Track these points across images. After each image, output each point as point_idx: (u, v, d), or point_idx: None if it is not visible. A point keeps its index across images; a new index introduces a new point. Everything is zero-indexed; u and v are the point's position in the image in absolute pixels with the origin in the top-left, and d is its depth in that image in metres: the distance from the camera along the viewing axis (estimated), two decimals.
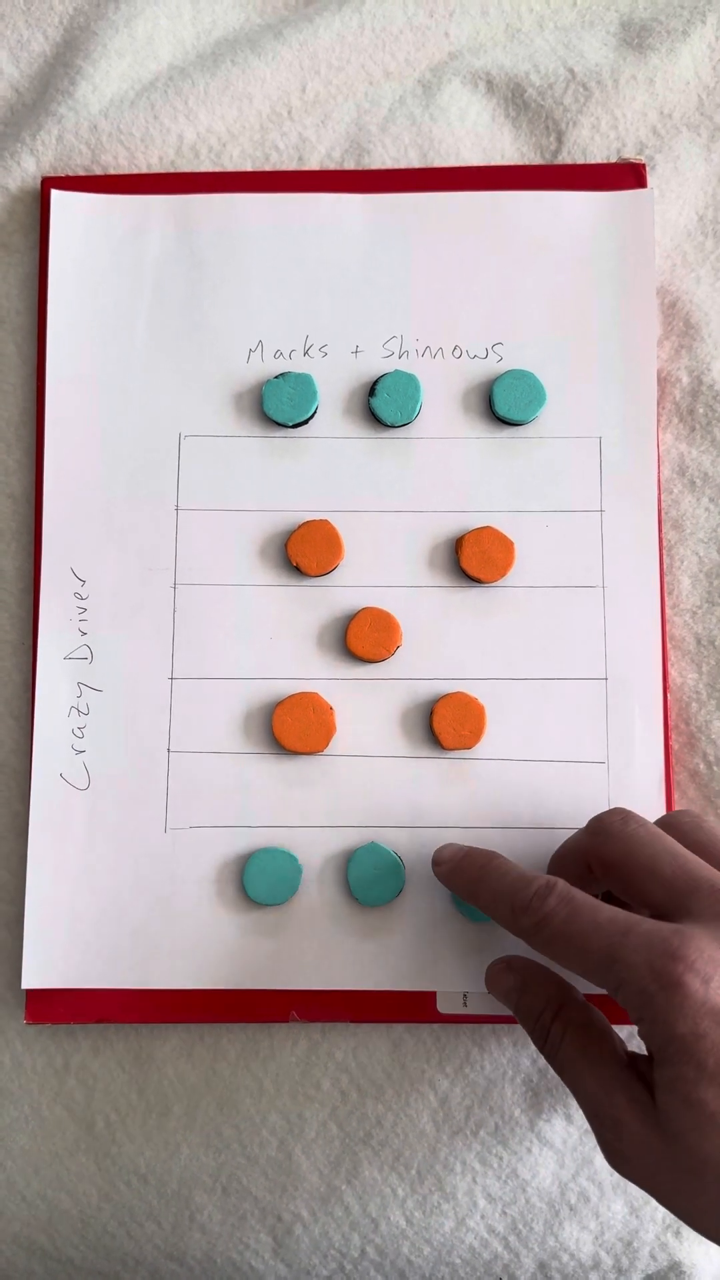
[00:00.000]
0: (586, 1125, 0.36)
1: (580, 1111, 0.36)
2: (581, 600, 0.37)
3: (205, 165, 0.40)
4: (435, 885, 0.36)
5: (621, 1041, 0.29)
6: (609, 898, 0.32)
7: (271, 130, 0.40)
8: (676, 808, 0.37)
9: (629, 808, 0.32)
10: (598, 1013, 0.30)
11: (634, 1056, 0.29)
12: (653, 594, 0.37)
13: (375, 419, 0.38)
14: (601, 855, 0.30)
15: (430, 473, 0.38)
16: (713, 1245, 0.36)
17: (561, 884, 0.29)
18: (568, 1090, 0.36)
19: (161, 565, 0.37)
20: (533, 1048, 0.37)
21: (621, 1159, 0.27)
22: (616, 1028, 0.30)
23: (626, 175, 0.39)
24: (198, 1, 0.41)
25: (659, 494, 0.37)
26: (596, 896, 0.30)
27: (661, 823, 0.31)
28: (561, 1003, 0.30)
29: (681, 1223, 0.36)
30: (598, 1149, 0.36)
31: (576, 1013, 0.30)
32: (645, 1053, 0.28)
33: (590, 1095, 0.28)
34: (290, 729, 0.36)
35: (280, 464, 0.38)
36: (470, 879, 0.32)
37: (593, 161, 0.40)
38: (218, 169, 0.40)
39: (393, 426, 0.38)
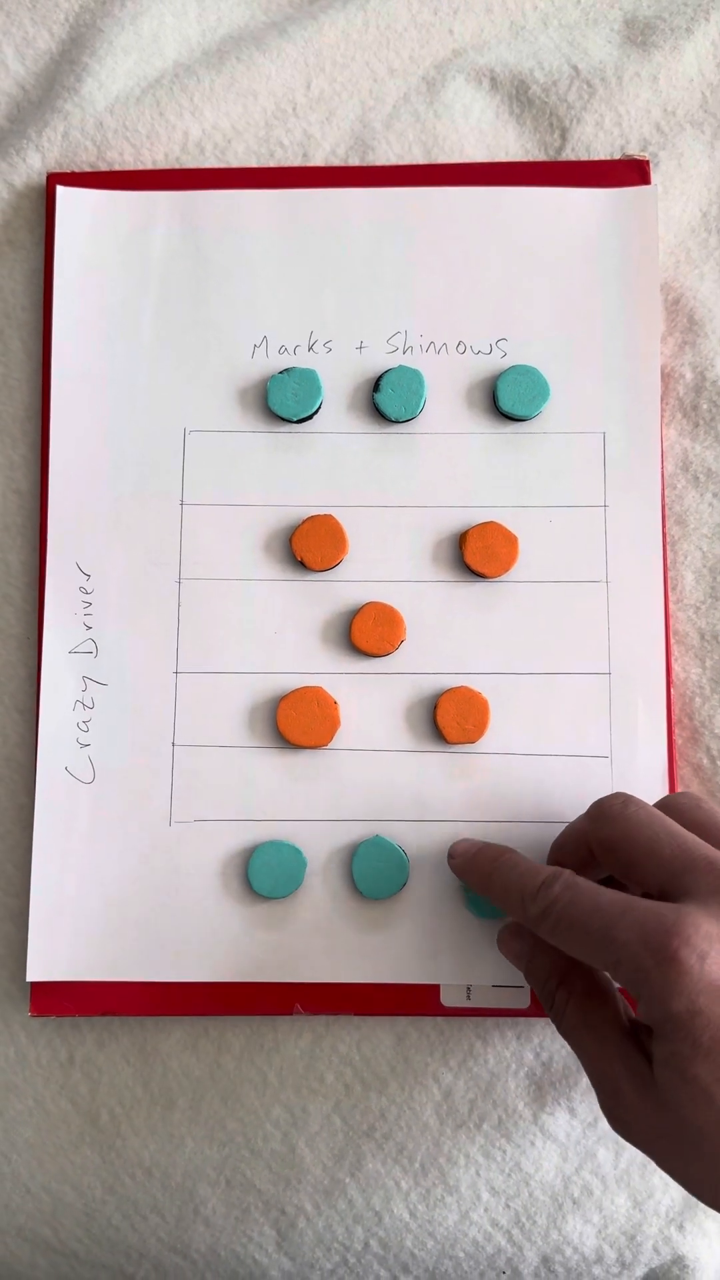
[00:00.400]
0: (590, 1119, 0.36)
1: (583, 1104, 0.36)
2: (585, 595, 0.37)
3: (210, 161, 0.40)
4: (439, 879, 0.36)
5: (626, 1008, 0.30)
6: (611, 882, 0.33)
7: (276, 127, 0.40)
8: None
9: None
10: (604, 978, 0.31)
11: (636, 1024, 0.29)
12: (656, 589, 0.37)
13: (379, 414, 0.38)
14: (602, 839, 0.31)
15: (434, 468, 0.38)
16: (716, 1239, 0.36)
17: (567, 873, 0.30)
18: (571, 1085, 0.36)
19: (166, 560, 0.38)
20: (536, 1041, 0.37)
21: (622, 1124, 0.28)
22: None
23: (630, 172, 0.39)
24: None
25: (663, 489, 0.38)
26: (599, 882, 0.30)
27: (662, 804, 0.31)
28: (567, 970, 0.31)
29: (685, 1217, 0.36)
30: (601, 1143, 0.36)
31: (580, 980, 0.30)
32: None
33: (592, 1062, 0.29)
34: (295, 723, 0.36)
35: (285, 459, 0.38)
36: (483, 873, 0.33)
37: (597, 158, 0.40)
38: (223, 165, 0.40)
39: (397, 422, 0.38)
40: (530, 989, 0.35)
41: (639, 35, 0.41)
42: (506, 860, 0.32)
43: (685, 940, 0.26)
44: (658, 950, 0.26)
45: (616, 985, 0.31)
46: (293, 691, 0.37)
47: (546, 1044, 0.37)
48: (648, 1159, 0.36)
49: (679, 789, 0.37)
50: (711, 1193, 0.26)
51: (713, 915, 0.26)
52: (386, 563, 0.38)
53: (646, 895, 0.29)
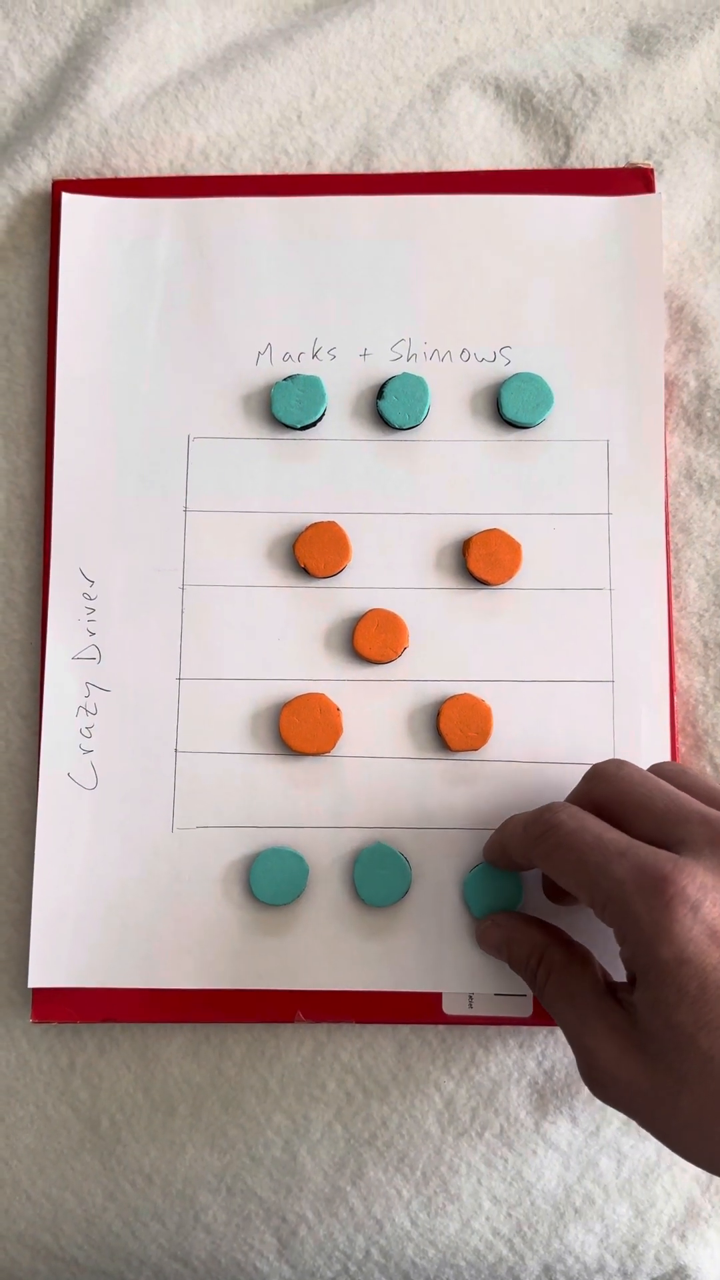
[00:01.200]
0: (592, 1128, 0.36)
1: (585, 1113, 0.36)
2: (588, 603, 0.37)
3: (215, 169, 0.40)
4: (441, 886, 0.36)
5: (605, 973, 0.31)
6: None
7: (281, 134, 0.41)
8: None
9: None
10: (581, 948, 0.32)
11: (615, 986, 0.30)
12: (660, 597, 0.37)
13: (383, 421, 0.38)
14: (597, 798, 0.31)
15: (438, 475, 0.38)
16: (718, 1248, 0.36)
17: (571, 805, 0.31)
18: (573, 1093, 0.36)
19: (170, 566, 0.38)
20: (539, 1049, 0.37)
21: (600, 1085, 0.28)
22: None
23: (634, 180, 0.39)
24: (208, 7, 0.42)
25: (666, 497, 0.38)
26: None
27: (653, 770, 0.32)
28: (545, 945, 0.32)
29: (687, 1226, 0.36)
30: (604, 1152, 0.36)
31: (558, 953, 0.31)
32: (625, 979, 0.29)
33: (570, 1026, 0.29)
34: (297, 730, 0.36)
35: (288, 466, 0.38)
36: (497, 832, 0.34)
37: (601, 166, 0.40)
38: (227, 172, 0.40)
39: (401, 429, 0.38)
40: (530, 997, 0.36)
41: (644, 44, 0.41)
42: (516, 814, 0.33)
43: (680, 889, 0.26)
44: (651, 895, 0.26)
45: (594, 955, 0.32)
46: (295, 698, 0.37)
47: (549, 1053, 0.37)
48: (648, 1171, 0.36)
49: None
50: (690, 1145, 0.27)
51: (707, 867, 0.27)
52: (390, 570, 0.38)
53: None
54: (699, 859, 0.27)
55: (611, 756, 0.36)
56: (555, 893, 0.35)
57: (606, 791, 0.31)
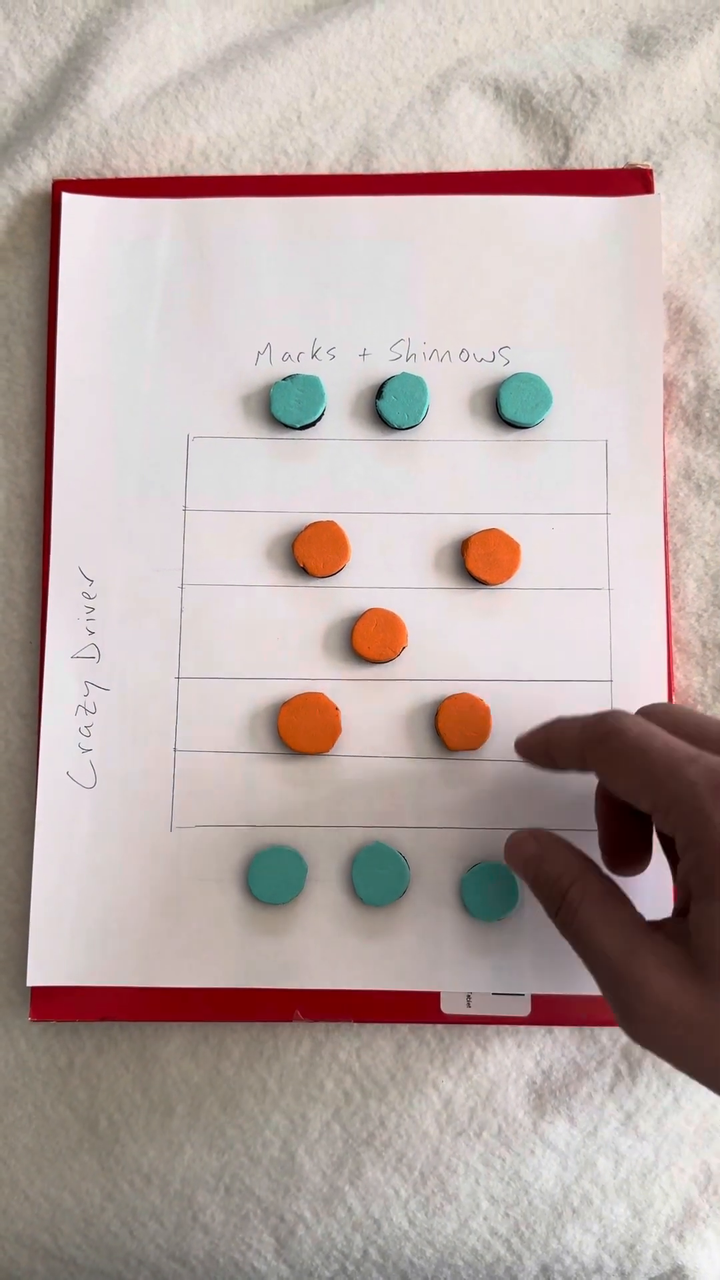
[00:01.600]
0: (590, 1128, 0.36)
1: (583, 1113, 0.36)
2: (587, 603, 0.37)
3: (215, 169, 0.40)
4: (440, 886, 0.36)
5: (640, 915, 0.29)
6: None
7: (281, 135, 0.41)
8: None
9: None
10: (617, 885, 0.30)
11: (655, 923, 0.28)
12: (658, 597, 0.37)
13: (383, 421, 0.38)
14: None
15: (437, 475, 0.38)
16: (716, 1249, 0.36)
17: (628, 713, 0.30)
18: (571, 1093, 0.36)
19: (169, 565, 0.38)
20: (537, 1049, 0.37)
21: (643, 1023, 0.26)
22: None
23: (634, 181, 0.39)
24: (208, 8, 0.42)
25: (665, 497, 0.38)
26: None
27: (641, 713, 0.31)
28: (584, 872, 0.30)
29: (685, 1227, 0.36)
30: (601, 1152, 0.36)
31: (596, 882, 0.29)
32: (670, 914, 0.28)
33: (611, 958, 0.27)
34: (296, 729, 0.36)
35: (288, 465, 0.38)
36: (541, 730, 0.32)
37: (600, 167, 0.40)
38: (227, 173, 0.40)
39: (400, 429, 0.38)
40: (528, 997, 0.36)
41: (643, 45, 0.41)
42: (565, 716, 0.32)
43: None
44: None
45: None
46: (294, 697, 0.37)
47: (547, 1053, 0.37)
48: (645, 1171, 0.36)
49: None
50: None
51: None
52: (389, 569, 0.38)
53: None
54: None
55: None
56: (614, 846, 0.33)
57: (660, 719, 0.30)
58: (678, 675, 0.38)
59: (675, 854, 0.31)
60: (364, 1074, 0.37)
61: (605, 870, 0.31)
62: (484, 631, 0.37)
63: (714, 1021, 0.25)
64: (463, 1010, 0.36)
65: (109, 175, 0.40)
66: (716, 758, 0.27)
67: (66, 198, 0.39)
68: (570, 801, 0.36)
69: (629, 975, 0.27)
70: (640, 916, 0.28)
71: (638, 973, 0.27)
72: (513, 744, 0.33)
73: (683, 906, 0.28)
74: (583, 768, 0.30)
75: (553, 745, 0.31)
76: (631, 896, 0.29)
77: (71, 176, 0.40)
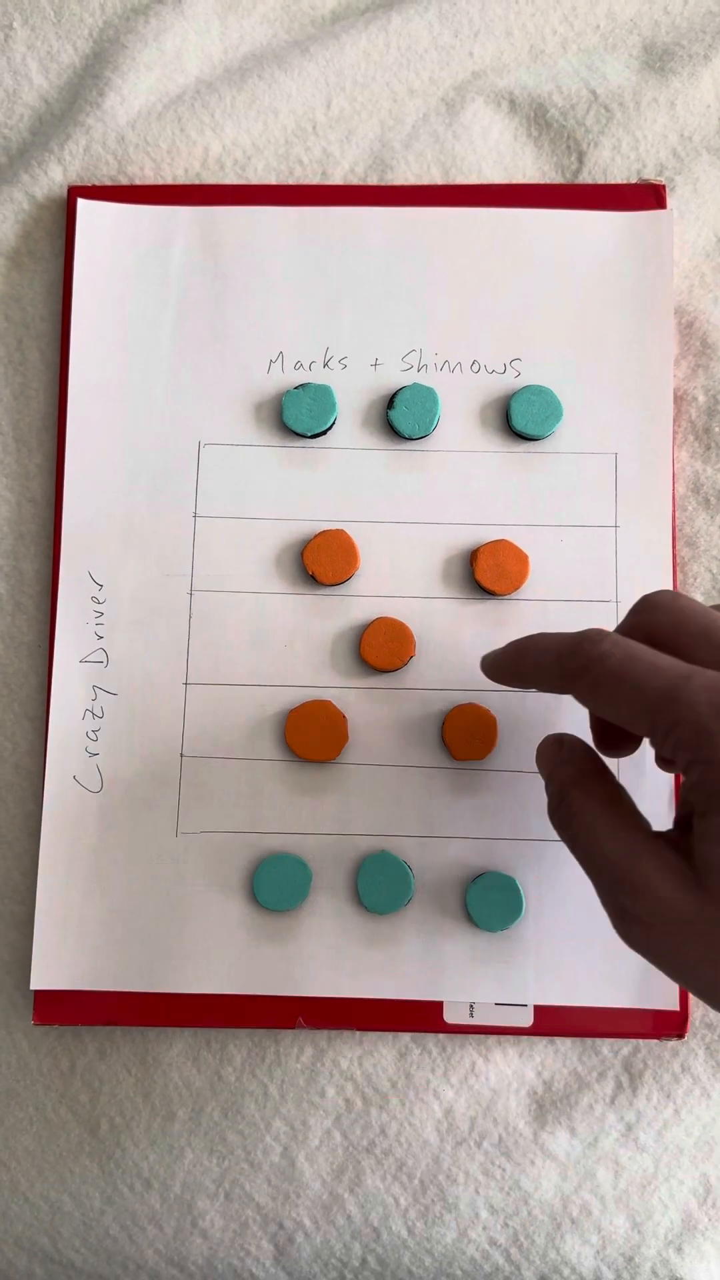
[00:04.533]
0: (590, 1139, 0.36)
1: (584, 1124, 0.36)
2: (595, 615, 0.37)
3: (230, 178, 0.41)
4: (445, 895, 0.36)
5: (647, 823, 0.28)
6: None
7: (296, 145, 0.41)
8: None
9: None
10: (624, 791, 0.29)
11: (657, 833, 0.28)
12: None
13: (393, 431, 0.38)
14: (649, 629, 0.28)
15: (447, 485, 0.38)
16: (715, 1262, 0.36)
17: (614, 632, 0.28)
18: (572, 1104, 0.36)
19: (179, 571, 0.38)
20: (538, 1059, 0.37)
21: (641, 927, 0.26)
22: None
23: (646, 196, 0.39)
24: (226, 17, 0.42)
25: (673, 511, 0.38)
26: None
27: (645, 602, 0.30)
28: (588, 774, 0.29)
29: (684, 1239, 0.36)
30: (601, 1163, 0.36)
31: (602, 786, 0.29)
32: (677, 819, 0.27)
33: (611, 859, 0.27)
34: (303, 736, 0.36)
35: (298, 474, 0.38)
36: (516, 652, 0.31)
37: (613, 182, 0.40)
38: (242, 182, 0.41)
39: (410, 439, 0.38)
40: (531, 1007, 0.36)
41: (657, 61, 0.41)
42: (537, 636, 0.31)
43: None
44: None
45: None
46: (302, 705, 0.37)
47: (548, 1063, 0.37)
48: (645, 1183, 0.36)
49: None
50: None
51: None
52: (397, 578, 0.38)
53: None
54: None
55: (619, 770, 0.36)
56: (603, 735, 0.32)
57: (661, 620, 0.28)
58: None
59: (669, 762, 0.29)
60: (365, 1082, 0.37)
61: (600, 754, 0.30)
62: (492, 642, 0.37)
63: (711, 932, 0.25)
64: (465, 1020, 0.36)
65: (124, 182, 0.40)
66: (712, 673, 0.25)
67: (82, 204, 0.39)
68: None
69: (629, 878, 0.26)
70: (645, 822, 0.28)
71: (638, 876, 0.26)
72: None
73: (683, 818, 0.27)
74: (563, 693, 0.29)
75: (526, 672, 0.30)
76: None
77: (87, 183, 0.40)
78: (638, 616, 0.29)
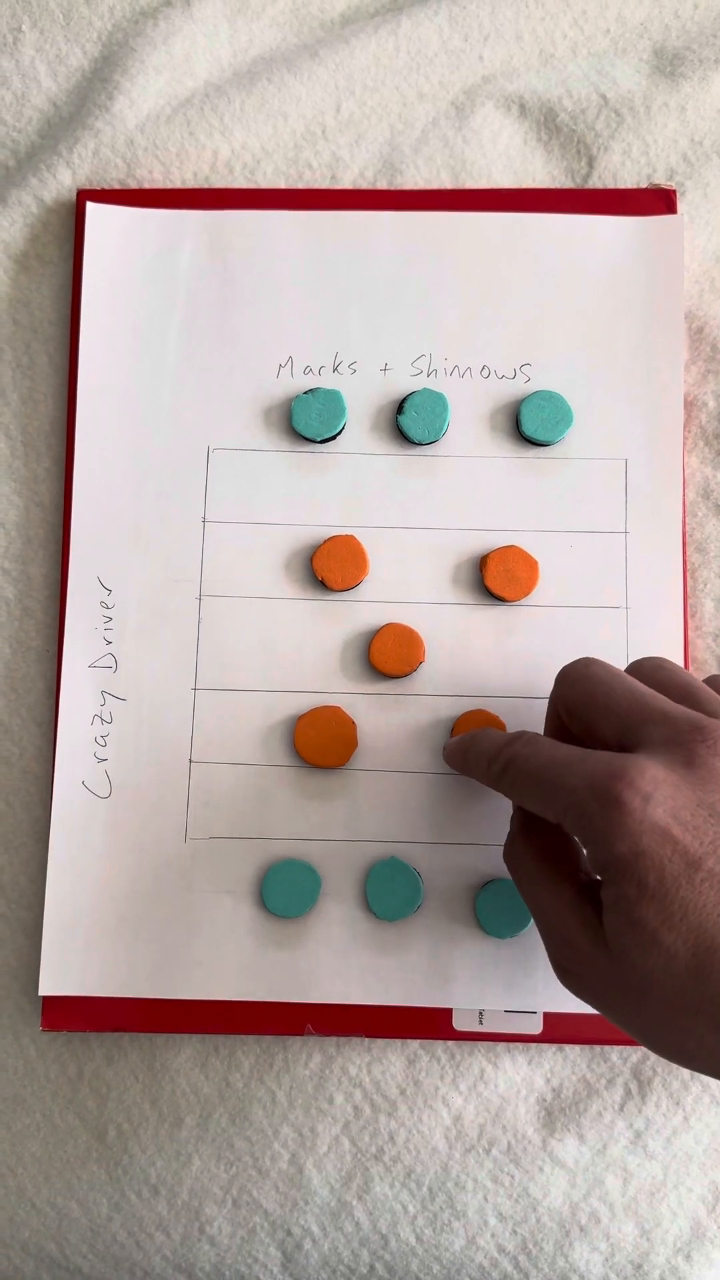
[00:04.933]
0: (599, 1146, 0.36)
1: (593, 1131, 0.36)
2: (604, 621, 0.37)
3: (239, 181, 0.41)
4: (453, 901, 0.36)
5: (588, 869, 0.30)
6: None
7: (305, 148, 0.41)
8: None
9: None
10: (570, 839, 0.31)
11: (591, 882, 0.29)
12: (676, 616, 0.37)
13: (403, 436, 0.38)
14: (566, 701, 0.31)
15: (456, 491, 0.38)
16: None
17: (530, 733, 0.31)
18: (581, 1111, 0.36)
19: (187, 576, 0.38)
20: (547, 1067, 0.37)
21: (571, 976, 0.29)
22: None
23: (656, 201, 0.39)
24: (235, 20, 0.42)
25: (683, 517, 0.38)
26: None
27: (628, 669, 0.31)
28: (532, 824, 0.31)
29: (693, 1247, 0.36)
30: (610, 1170, 0.36)
31: (541, 836, 0.31)
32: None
33: (544, 913, 0.29)
34: (312, 742, 0.36)
35: (307, 479, 0.38)
36: (461, 750, 0.33)
37: (623, 187, 0.40)
38: (251, 185, 0.40)
39: (420, 444, 0.38)
40: (540, 1014, 0.36)
41: (667, 65, 0.41)
42: (480, 733, 0.33)
43: (629, 783, 0.26)
44: (603, 794, 0.26)
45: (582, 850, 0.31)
46: (311, 711, 0.37)
47: (558, 1070, 0.37)
48: (654, 1190, 0.36)
49: None
50: (661, 1040, 0.27)
51: (661, 761, 0.26)
52: (407, 584, 0.38)
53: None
54: (653, 756, 0.27)
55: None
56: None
57: (573, 694, 0.30)
58: None
59: None
60: (374, 1089, 0.37)
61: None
62: (501, 648, 0.37)
63: (622, 983, 0.26)
64: (475, 1027, 0.36)
65: (133, 186, 0.40)
66: (599, 755, 0.27)
67: (91, 207, 0.39)
68: None
69: (556, 929, 0.29)
70: (578, 873, 0.30)
71: (564, 930, 0.28)
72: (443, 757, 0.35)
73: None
74: (498, 790, 0.31)
75: (470, 769, 0.33)
76: None
77: (96, 186, 0.40)
78: (556, 690, 0.31)
